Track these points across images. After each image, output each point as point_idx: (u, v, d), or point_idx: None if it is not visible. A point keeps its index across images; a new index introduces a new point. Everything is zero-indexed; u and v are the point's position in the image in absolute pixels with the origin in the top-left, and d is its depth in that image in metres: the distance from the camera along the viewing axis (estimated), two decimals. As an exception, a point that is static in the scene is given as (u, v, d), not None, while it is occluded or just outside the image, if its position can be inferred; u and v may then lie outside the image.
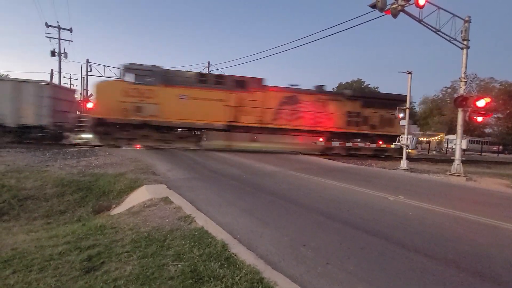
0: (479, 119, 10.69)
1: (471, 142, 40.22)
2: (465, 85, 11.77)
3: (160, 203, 5.52)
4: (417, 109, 61.00)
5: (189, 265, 3.06)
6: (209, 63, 35.19)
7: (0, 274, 2.87)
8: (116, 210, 5.98)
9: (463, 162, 11.93)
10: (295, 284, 2.77)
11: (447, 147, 34.63)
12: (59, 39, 27.56)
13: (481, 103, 10.32)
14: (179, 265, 3.08)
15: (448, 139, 35.22)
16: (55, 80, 27.08)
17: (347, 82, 60.43)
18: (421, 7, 9.12)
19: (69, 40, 28.52)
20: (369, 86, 58.98)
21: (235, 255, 3.32)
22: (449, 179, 11.27)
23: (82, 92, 27.13)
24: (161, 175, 8.68)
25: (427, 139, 39.91)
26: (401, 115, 13.49)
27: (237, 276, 2.82)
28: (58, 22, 28.20)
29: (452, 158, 12.23)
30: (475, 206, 6.63)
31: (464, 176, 11.28)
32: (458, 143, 11.71)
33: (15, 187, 7.10)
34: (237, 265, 3.07)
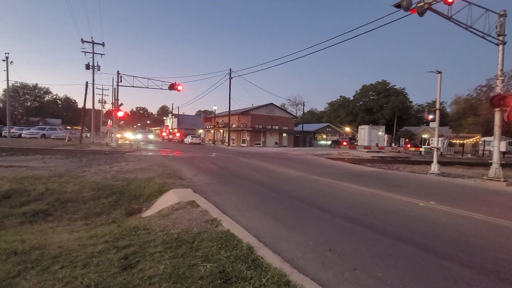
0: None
1: (511, 144, 37.09)
2: (502, 83, 10.97)
3: (187, 207, 5.74)
4: (448, 109, 57.59)
5: (217, 266, 3.18)
6: (230, 70, 36.00)
7: (50, 269, 3.18)
8: (147, 213, 6.31)
9: (504, 166, 11.08)
10: (322, 288, 2.78)
11: (483, 150, 32.17)
12: (93, 53, 29.69)
13: None
14: (208, 266, 3.21)
15: (484, 141, 32.71)
16: (89, 91, 29.15)
17: (371, 84, 58.63)
18: (450, 3, 8.74)
19: (101, 54, 30.66)
20: (395, 87, 56.73)
21: (261, 258, 3.38)
22: (486, 184, 10.51)
23: (113, 102, 28.88)
24: (187, 179, 9.00)
25: (461, 141, 37.42)
26: (430, 116, 12.84)
27: (264, 278, 2.89)
28: (92, 37, 30.37)
29: (489, 161, 11.39)
30: (517, 213, 6.15)
31: (504, 181, 10.45)
32: (496, 145, 10.90)
33: (58, 190, 7.74)
34: (263, 268, 3.13)
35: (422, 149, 14.33)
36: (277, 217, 5.16)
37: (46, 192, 7.53)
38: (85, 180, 8.97)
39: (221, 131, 45.89)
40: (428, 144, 13.04)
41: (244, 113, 41.41)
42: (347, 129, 56.02)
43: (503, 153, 31.22)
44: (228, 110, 38.05)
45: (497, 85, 10.96)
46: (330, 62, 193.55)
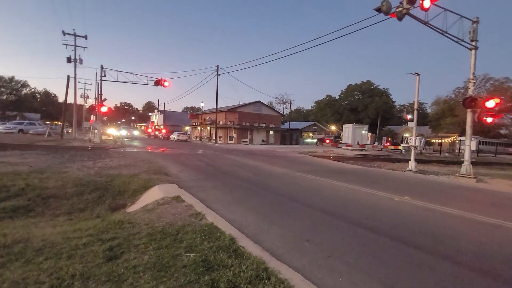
0: (489, 120, 10.59)
1: (485, 143, 39.16)
2: (474, 85, 11.67)
3: (172, 201, 5.85)
4: (429, 110, 59.90)
5: (200, 256, 3.34)
6: (218, 67, 35.83)
7: (35, 260, 3.23)
8: (132, 208, 6.35)
9: (475, 163, 11.84)
10: (297, 273, 3.00)
11: (459, 149, 33.86)
12: (75, 46, 28.71)
13: (490, 103, 10.26)
14: (191, 256, 3.37)
15: (460, 140, 34.43)
16: (71, 85, 28.21)
17: (356, 84, 60.00)
18: (426, 9, 9.20)
19: (84, 47, 29.68)
20: (379, 87, 58.36)
21: (242, 248, 3.58)
22: (458, 181, 11.19)
23: (96, 97, 28.11)
24: (173, 175, 9.05)
25: (439, 141, 39.14)
26: (409, 116, 13.46)
27: (244, 265, 3.08)
28: (74, 29, 29.29)
29: (461, 159, 12.12)
30: (481, 206, 6.67)
31: (474, 178, 11.18)
32: (468, 144, 11.62)
33: (39, 186, 7.59)
34: (244, 256, 3.32)
35: (401, 148, 15.00)
36: (259, 211, 5.37)
37: (26, 188, 7.38)
38: (68, 176, 8.83)
39: (208, 128, 45.65)
40: (406, 143, 13.63)
41: (232, 110, 41.38)
42: (333, 127, 57.22)
43: (477, 151, 33.03)
44: (215, 107, 37.91)
45: (469, 88, 11.66)
46: (318, 61, 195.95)
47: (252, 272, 2.95)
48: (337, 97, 62.99)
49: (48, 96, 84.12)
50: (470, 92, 11.60)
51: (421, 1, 8.55)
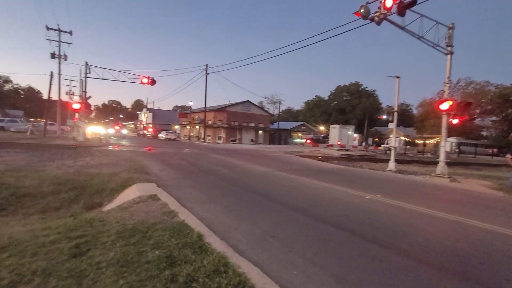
0: (455, 121, 11.19)
1: (466, 145, 40.56)
2: (449, 89, 12.17)
3: (148, 200, 5.90)
4: (415, 112, 61.47)
5: (165, 252, 3.44)
6: (207, 66, 35.73)
7: (-3, 258, 3.26)
8: (108, 207, 6.36)
9: (454, 164, 12.35)
10: (256, 267, 3.16)
11: (442, 150, 34.93)
12: (59, 41, 28.06)
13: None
14: (156, 252, 3.47)
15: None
16: (55, 82, 27.55)
17: (344, 85, 60.97)
18: (403, 15, 9.53)
19: (68, 43, 29.03)
20: (367, 89, 59.47)
21: (208, 244, 3.70)
22: (433, 180, 11.65)
23: (81, 94, 27.54)
24: (153, 174, 9.07)
25: (423, 142, 40.28)
26: (384, 116, 13.88)
27: (205, 260, 3.21)
28: (58, 25, 28.61)
29: (436, 160, 12.62)
30: (448, 204, 7.02)
31: (448, 178, 11.66)
32: (443, 145, 12.11)
33: (14, 185, 7.49)
34: (208, 252, 3.45)
35: (381, 148, 15.51)
36: (232, 209, 5.51)
37: (0, 186, 7.27)
38: (46, 175, 8.72)
39: (197, 127, 45.43)
40: (387, 144, 14.07)
41: (221, 109, 41.35)
42: (322, 128, 57.95)
43: (458, 152, 34.19)
44: (204, 106, 37.79)
45: (444, 91, 12.14)
46: (308, 61, 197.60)
47: (212, 266, 3.08)
48: (326, 98, 63.87)
49: (32, 93, 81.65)
50: (445, 95, 12.08)
51: (383, 1, 8.91)
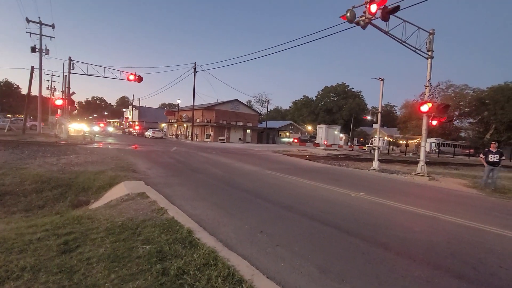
0: (434, 123, 11.77)
1: (446, 145, 42.38)
2: (429, 92, 12.75)
3: (136, 198, 5.91)
4: (399, 113, 63.45)
5: (156, 247, 3.51)
6: (195, 64, 35.43)
7: (-17, 255, 3.22)
8: (95, 205, 6.30)
9: (434, 163, 12.95)
10: (244, 260, 3.29)
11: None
12: (40, 35, 26.93)
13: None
14: (147, 247, 3.53)
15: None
16: (36, 77, 26.53)
17: (331, 86, 62.05)
18: (387, 20, 9.92)
19: (51, 37, 27.93)
20: (353, 90, 60.77)
21: (198, 239, 3.80)
22: (413, 179, 12.19)
23: (64, 90, 26.67)
24: (141, 173, 9.01)
25: (406, 142, 41.70)
26: (368, 117, 14.34)
27: (195, 254, 3.31)
28: (39, 17, 27.50)
29: (417, 159, 13.19)
30: (426, 201, 7.41)
31: (427, 176, 12.24)
32: (423, 145, 12.68)
33: (-6, 183, 7.25)
34: (198, 247, 3.55)
35: (365, 148, 16.06)
36: (221, 206, 5.61)
37: (-21, 184, 7.03)
38: (27, 173, 8.48)
39: (185, 125, 44.95)
40: (371, 144, 14.52)
41: (209, 108, 41.10)
42: (309, 127, 58.76)
43: (438, 152, 35.66)
44: (192, 104, 37.46)
45: (425, 94, 12.71)
46: (297, 62, 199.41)
47: (202, 260, 3.18)
48: (314, 98, 64.79)
49: (9, 87, 77.99)
50: (426, 98, 12.64)
51: (368, 6, 9.25)
